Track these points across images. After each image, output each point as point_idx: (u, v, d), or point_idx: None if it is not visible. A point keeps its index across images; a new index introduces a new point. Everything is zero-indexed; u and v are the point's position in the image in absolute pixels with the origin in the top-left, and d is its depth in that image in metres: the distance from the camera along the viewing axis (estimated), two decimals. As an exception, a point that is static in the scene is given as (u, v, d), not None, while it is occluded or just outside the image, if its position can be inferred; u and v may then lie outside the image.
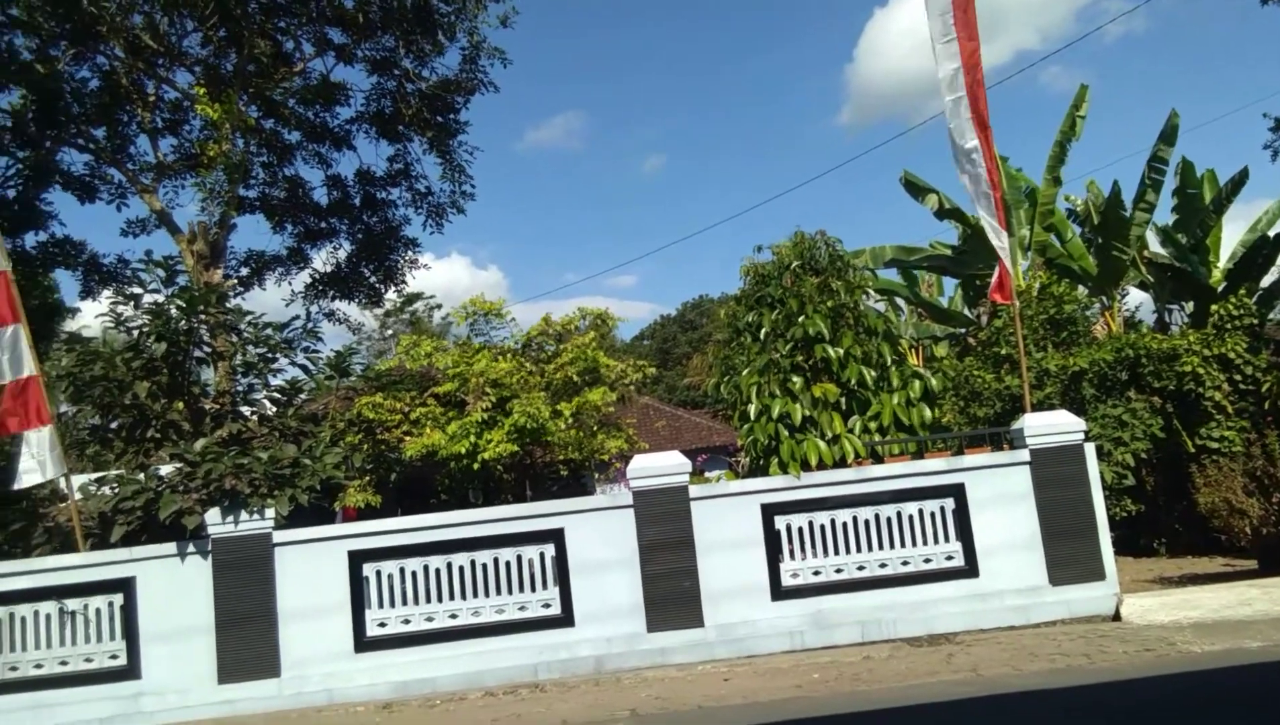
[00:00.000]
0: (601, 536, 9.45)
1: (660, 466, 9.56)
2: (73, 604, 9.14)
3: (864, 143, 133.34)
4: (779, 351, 11.22)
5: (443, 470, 13.85)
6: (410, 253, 23.67)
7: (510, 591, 9.42)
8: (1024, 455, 9.68)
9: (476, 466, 13.26)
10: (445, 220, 22.78)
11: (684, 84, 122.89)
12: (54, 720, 8.87)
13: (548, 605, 9.41)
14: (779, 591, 9.46)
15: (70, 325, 21.33)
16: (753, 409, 10.96)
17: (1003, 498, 9.62)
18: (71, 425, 12.91)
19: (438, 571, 9.39)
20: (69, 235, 21.50)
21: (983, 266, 18.94)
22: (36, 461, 9.63)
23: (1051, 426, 9.74)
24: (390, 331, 49.41)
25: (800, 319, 11.18)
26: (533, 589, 9.44)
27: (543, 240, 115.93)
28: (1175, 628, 8.55)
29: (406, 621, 9.33)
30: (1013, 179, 19.54)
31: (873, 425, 10.98)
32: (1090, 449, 9.73)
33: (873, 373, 11.08)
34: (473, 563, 9.43)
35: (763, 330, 11.48)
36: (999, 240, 10.56)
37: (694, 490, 9.60)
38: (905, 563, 9.59)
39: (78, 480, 10.26)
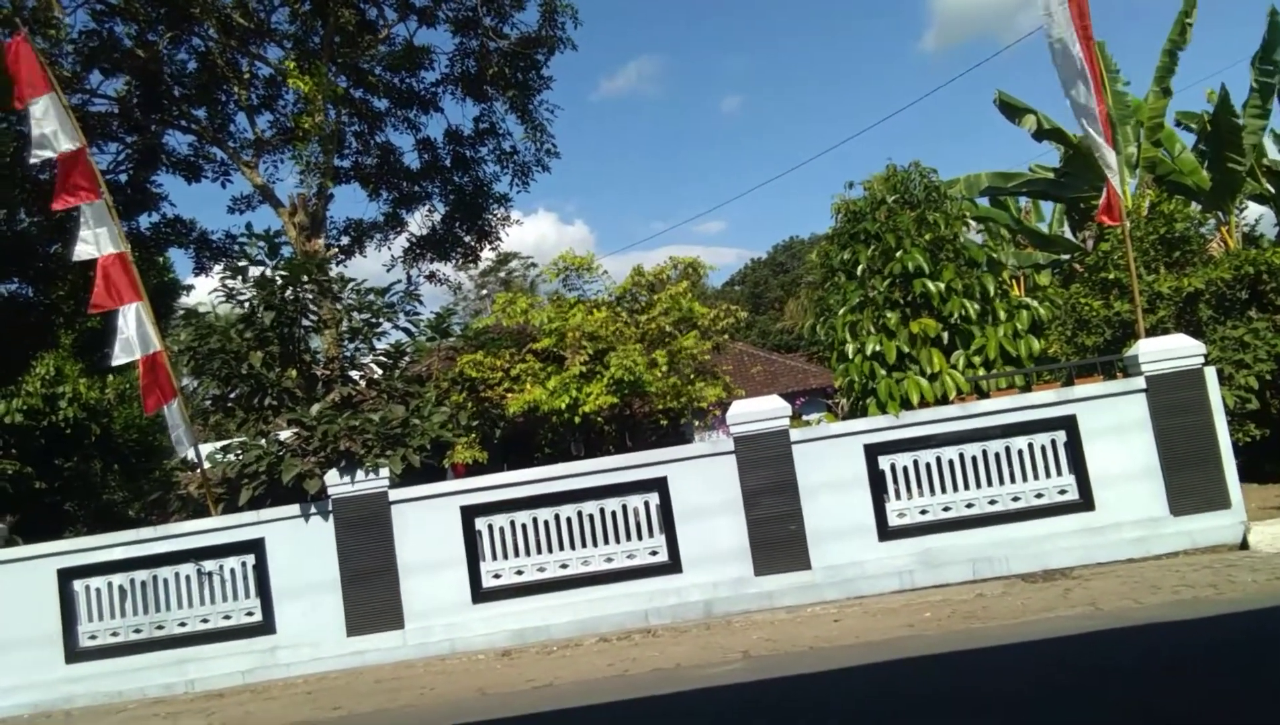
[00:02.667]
0: (704, 483, 9.52)
1: (760, 411, 9.55)
2: (209, 565, 9.71)
3: (950, 69, 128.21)
4: (876, 288, 11.00)
5: (545, 425, 14.14)
6: (501, 210, 23.92)
7: (618, 540, 9.60)
8: (1139, 383, 9.35)
9: (577, 420, 13.50)
10: (531, 179, 22.95)
11: (757, 20, 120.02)
12: (199, 674, 9.48)
13: (655, 553, 9.56)
14: (886, 531, 9.41)
15: (186, 301, 22.22)
16: (850, 348, 10.81)
17: (1118, 428, 9.33)
18: (194, 397, 13.54)
19: (546, 523, 9.63)
20: (179, 215, 22.40)
21: (1087, 188, 18.10)
22: (179, 434, 10.20)
23: (1167, 351, 9.35)
24: (485, 291, 50.24)
25: (898, 254, 10.91)
26: (639, 537, 9.60)
27: (627, 191, 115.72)
28: (1309, 555, 8.19)
29: (519, 572, 9.61)
30: (1118, 94, 18.52)
31: (977, 359, 10.72)
32: (1210, 373, 9.33)
33: (975, 306, 10.79)
34: (579, 513, 9.63)
35: (859, 267, 11.25)
36: (1107, 158, 10.10)
37: (795, 433, 9.56)
38: (1016, 498, 9.41)
39: (204, 449, 10.79)
